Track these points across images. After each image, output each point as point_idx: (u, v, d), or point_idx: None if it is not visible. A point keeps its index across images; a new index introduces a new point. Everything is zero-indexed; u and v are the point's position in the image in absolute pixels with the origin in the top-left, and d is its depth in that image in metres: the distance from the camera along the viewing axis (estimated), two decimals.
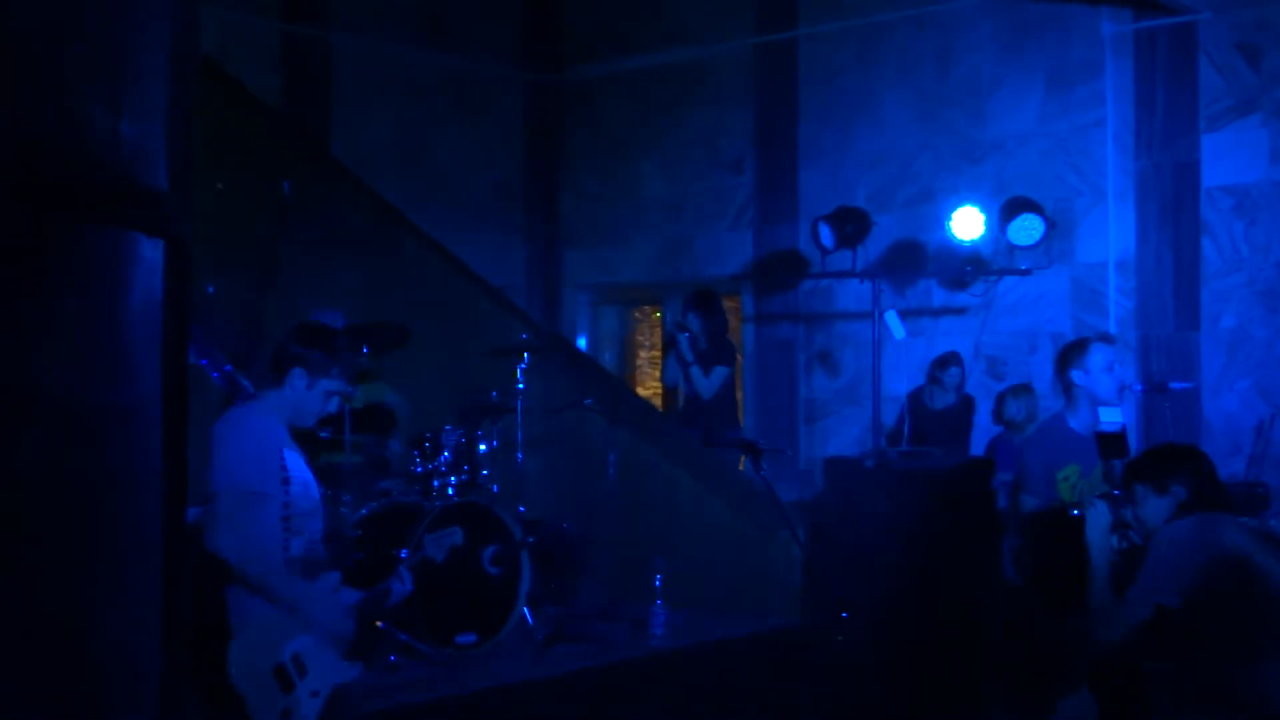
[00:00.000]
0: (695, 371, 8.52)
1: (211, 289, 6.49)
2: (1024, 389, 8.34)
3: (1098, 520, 4.49)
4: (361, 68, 10.44)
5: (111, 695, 1.57)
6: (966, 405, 8.74)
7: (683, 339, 8.58)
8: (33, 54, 1.50)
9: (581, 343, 11.44)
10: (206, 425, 5.22)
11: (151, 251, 1.68)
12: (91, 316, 1.57)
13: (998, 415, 8.43)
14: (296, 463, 4.10)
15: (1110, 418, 4.82)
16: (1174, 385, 7.53)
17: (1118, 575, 4.40)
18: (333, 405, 4.25)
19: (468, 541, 4.55)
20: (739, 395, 9.52)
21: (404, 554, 5.96)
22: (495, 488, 6.88)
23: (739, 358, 9.49)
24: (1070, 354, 5.26)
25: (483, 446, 6.85)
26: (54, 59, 1.52)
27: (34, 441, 1.48)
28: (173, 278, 1.69)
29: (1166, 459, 4.49)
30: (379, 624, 4.18)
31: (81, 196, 1.55)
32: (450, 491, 6.57)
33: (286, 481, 4.02)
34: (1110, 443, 4.74)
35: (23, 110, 1.49)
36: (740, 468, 8.04)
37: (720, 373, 8.56)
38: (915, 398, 8.78)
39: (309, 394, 4.13)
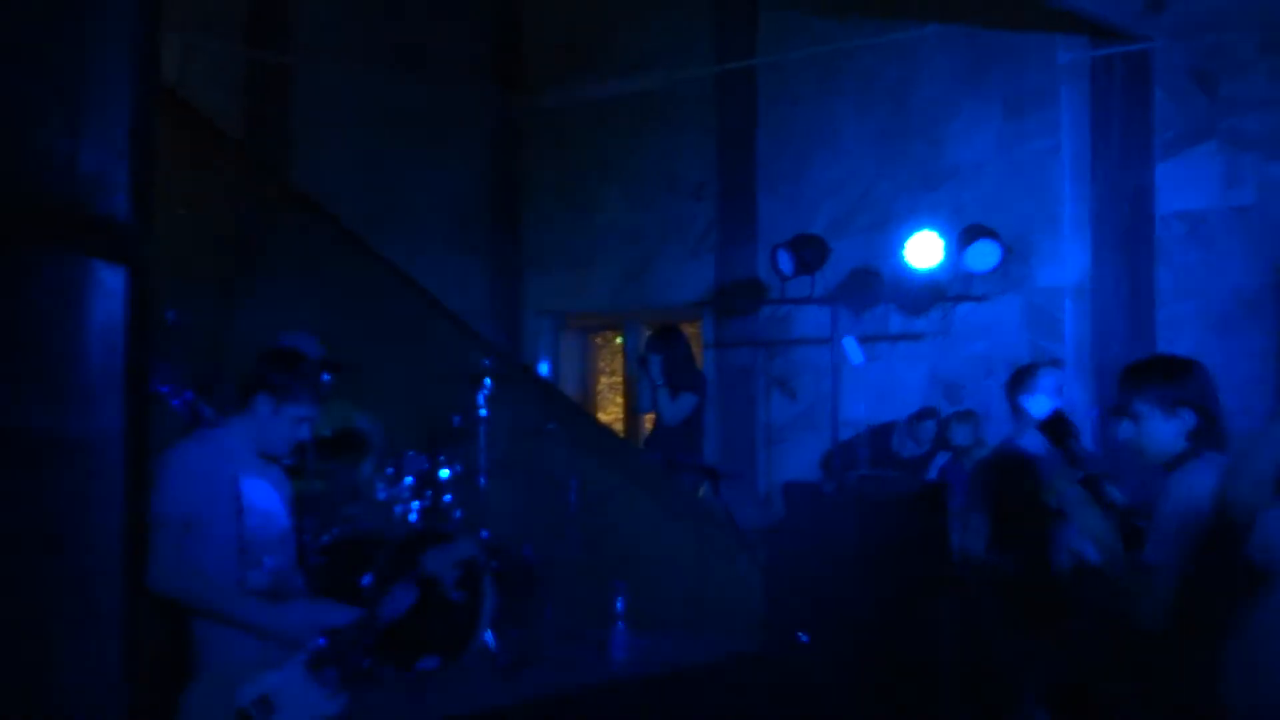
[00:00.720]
0: (662, 396, 8.54)
1: (172, 316, 6.45)
2: (968, 414, 8.39)
3: (1083, 507, 3.92)
4: (324, 94, 10.43)
5: None
6: (929, 456, 8.74)
7: (654, 363, 8.60)
8: None
9: (543, 368, 11.44)
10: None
11: (112, 278, 1.67)
12: (50, 343, 1.57)
13: (943, 441, 8.47)
14: (259, 491, 4.01)
15: (1039, 408, 4.56)
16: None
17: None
18: (304, 431, 4.16)
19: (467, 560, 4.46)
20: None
21: (366, 580, 5.92)
22: (458, 513, 6.86)
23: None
24: (1020, 379, 5.31)
25: (445, 472, 6.83)
26: (13, 89, 1.52)
27: None
28: (133, 304, 1.69)
29: (1176, 373, 3.90)
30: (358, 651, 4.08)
31: (38, 223, 1.54)
32: (413, 518, 6.54)
33: (241, 512, 3.94)
34: (1054, 427, 4.20)
35: None
36: (701, 492, 8.05)
37: (688, 399, 8.58)
38: (882, 441, 8.76)
39: (275, 420, 4.05)
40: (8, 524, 1.53)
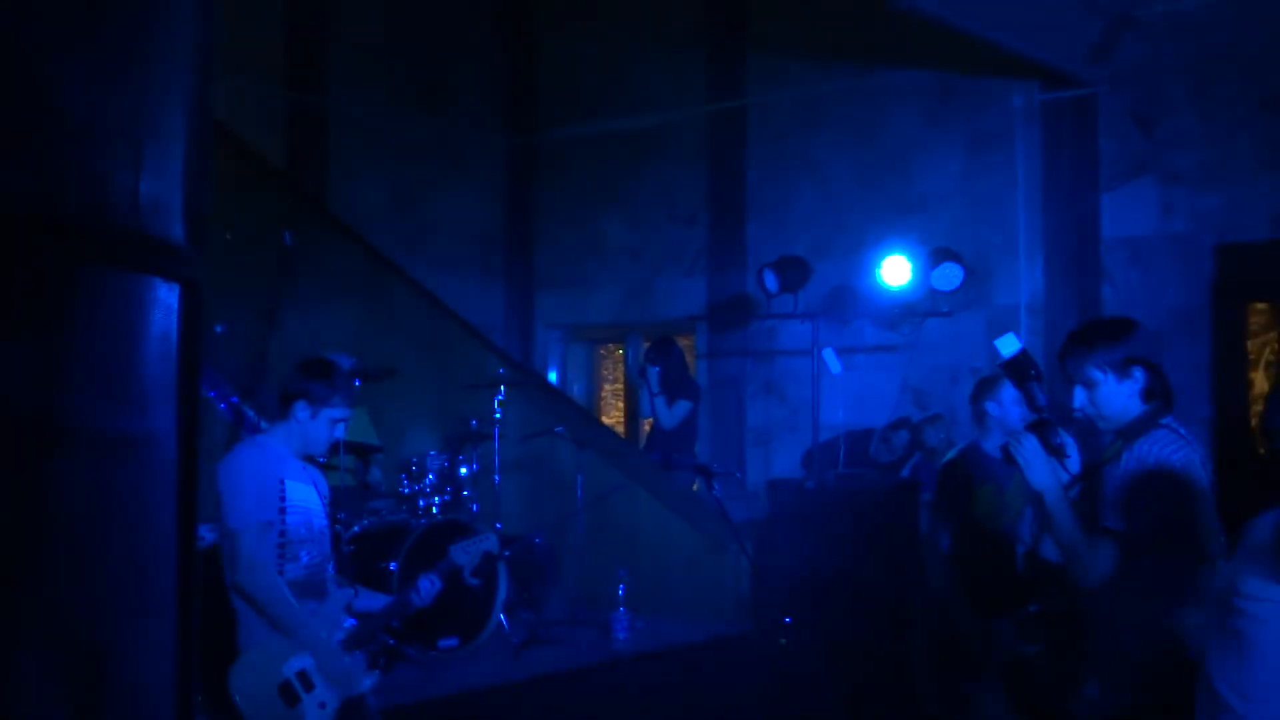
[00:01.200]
0: (659, 402, 8.52)
1: (220, 329, 6.45)
2: (938, 418, 8.37)
3: (1032, 455, 3.39)
4: (357, 130, 10.44)
5: (130, 717, 1.54)
6: (899, 463, 8.73)
7: (652, 373, 8.58)
8: (60, 119, 1.51)
9: (553, 376, 11.43)
10: (214, 451, 5.17)
11: (167, 295, 1.67)
12: (113, 352, 1.57)
13: (916, 443, 8.45)
14: (299, 493, 4.00)
15: (1008, 347, 3.90)
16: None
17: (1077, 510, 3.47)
18: (339, 431, 4.15)
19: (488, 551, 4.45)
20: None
21: (393, 566, 5.92)
22: (475, 507, 6.86)
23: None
24: (984, 387, 5.29)
25: (464, 470, 6.84)
26: (82, 126, 1.52)
27: (60, 466, 1.47)
28: (187, 318, 1.68)
29: (1122, 332, 3.49)
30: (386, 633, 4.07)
31: (102, 245, 1.54)
32: (435, 510, 6.54)
33: (283, 511, 3.94)
34: (1016, 367, 3.72)
35: (50, 167, 1.49)
36: (695, 489, 8.04)
37: (683, 405, 8.57)
38: (859, 443, 8.74)
39: (314, 423, 4.04)
40: (80, 515, 1.52)
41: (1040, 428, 3.46)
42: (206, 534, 5.20)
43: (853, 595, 6.24)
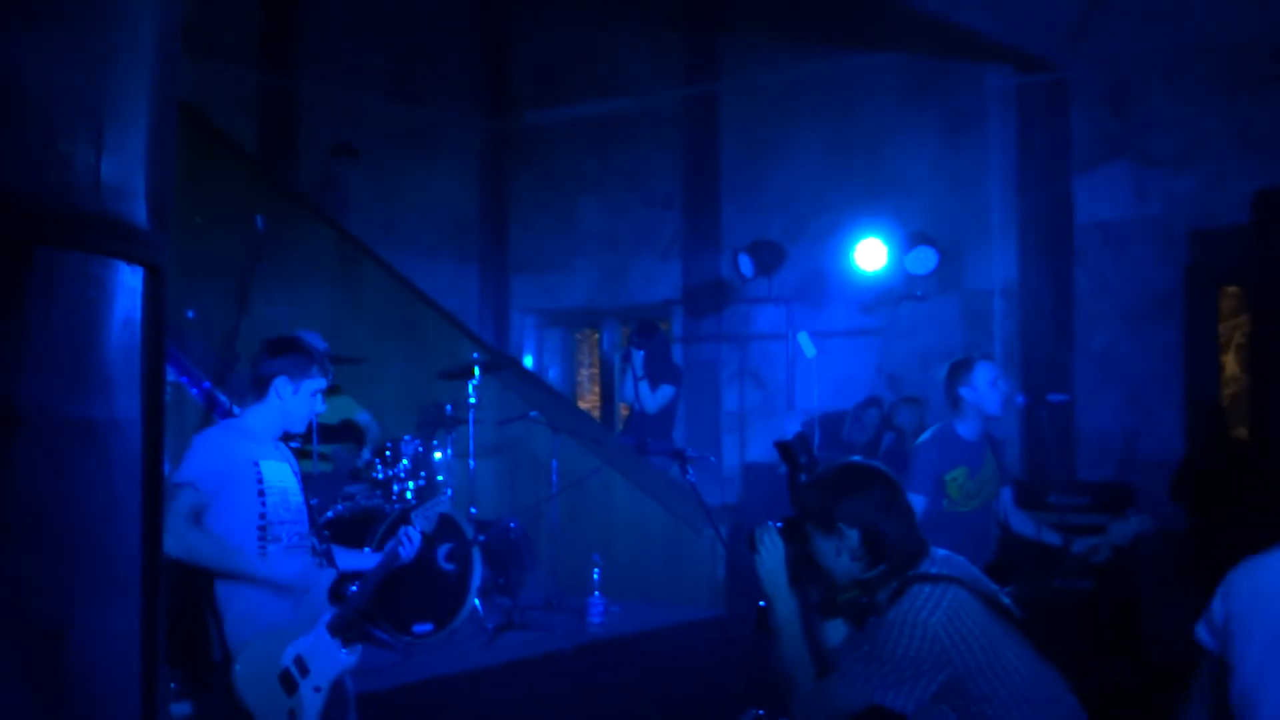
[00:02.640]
0: (643, 386, 8.49)
1: (191, 314, 6.40)
2: (914, 400, 8.38)
3: (773, 559, 3.00)
4: (330, 114, 10.36)
5: (90, 709, 1.53)
6: (875, 443, 8.75)
7: (637, 357, 8.55)
8: (20, 98, 1.48)
9: (528, 361, 11.40)
10: (185, 437, 5.11)
11: (131, 278, 1.65)
12: (74, 336, 1.54)
13: (890, 424, 8.47)
14: (275, 472, 3.99)
15: (791, 425, 3.35)
16: (1051, 398, 7.62)
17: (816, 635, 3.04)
18: (319, 403, 4.11)
19: (435, 531, 4.43)
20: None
21: (367, 550, 5.89)
22: (450, 491, 6.84)
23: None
24: (958, 370, 5.28)
25: (438, 454, 6.81)
26: (41, 105, 1.49)
27: (18, 450, 1.45)
28: (151, 302, 1.66)
29: (843, 482, 2.98)
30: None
31: (62, 227, 1.52)
32: (409, 495, 6.52)
33: (262, 493, 3.92)
34: (789, 452, 3.30)
35: (9, 148, 1.46)
36: (670, 473, 8.04)
37: (665, 390, 8.55)
38: (833, 426, 8.76)
39: (296, 398, 4.02)
40: (38, 498, 1.50)
41: (794, 529, 3.04)
42: None
43: None
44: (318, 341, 6.57)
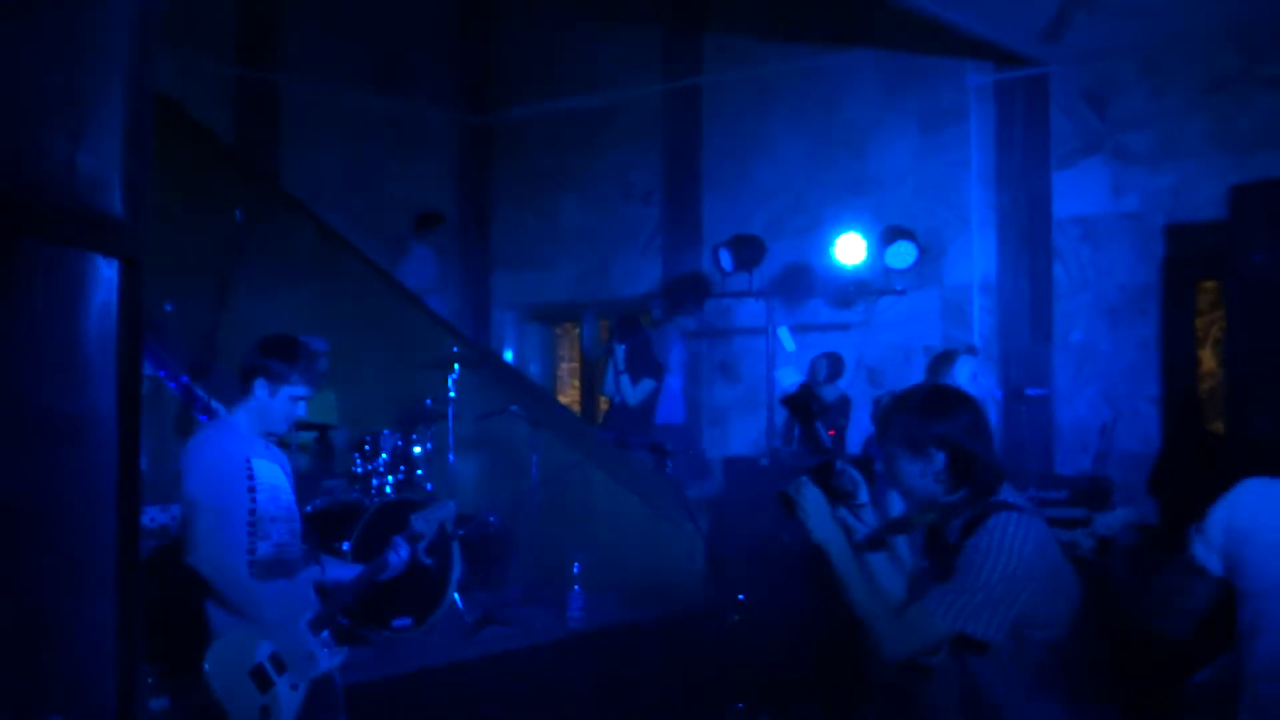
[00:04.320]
0: (625, 380, 8.50)
1: (169, 307, 6.37)
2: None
3: (814, 507, 2.94)
4: (309, 107, 10.33)
5: (66, 703, 1.52)
6: (844, 402, 8.76)
7: (619, 350, 8.56)
8: None
9: (508, 355, 11.39)
10: (162, 431, 5.09)
11: (107, 270, 1.64)
12: (48, 329, 1.53)
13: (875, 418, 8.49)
14: (267, 471, 3.98)
15: (787, 378, 3.14)
16: (1030, 392, 7.66)
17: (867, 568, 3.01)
18: (299, 410, 4.11)
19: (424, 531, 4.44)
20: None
21: (345, 545, 5.88)
22: (429, 486, 6.83)
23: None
24: (939, 364, 5.30)
25: (418, 449, 6.80)
26: (15, 96, 1.48)
27: None
28: (127, 295, 1.65)
29: (932, 404, 2.96)
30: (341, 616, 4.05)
31: (37, 219, 1.51)
32: (388, 490, 6.50)
33: (253, 489, 3.92)
34: (798, 404, 3.12)
35: None
36: (651, 467, 8.04)
37: (646, 384, 8.56)
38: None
39: (273, 401, 4.01)
40: (11, 492, 1.49)
41: (823, 472, 2.99)
42: (159, 515, 5.14)
43: (807, 572, 6.27)
44: (319, 344, 6.53)
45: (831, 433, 5.48)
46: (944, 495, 2.87)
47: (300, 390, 4.04)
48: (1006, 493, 2.89)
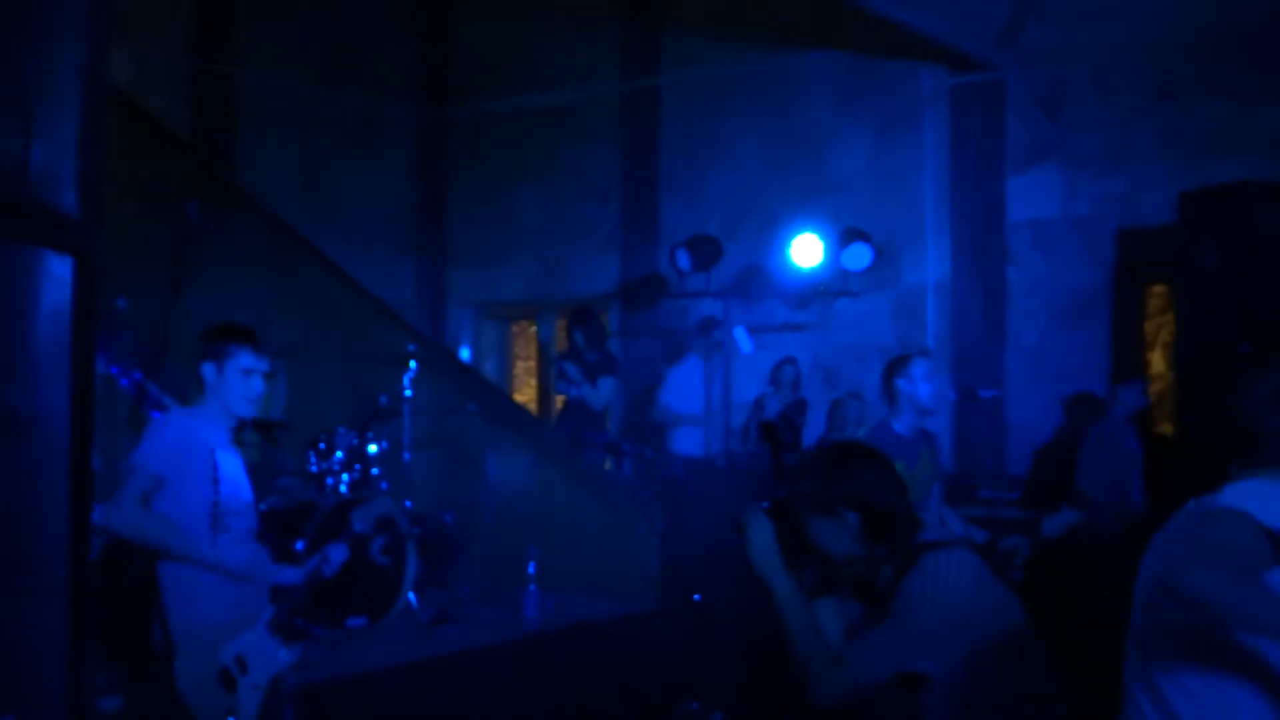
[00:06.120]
0: (587, 390, 8.42)
1: (122, 303, 6.28)
2: (855, 396, 8.44)
3: (760, 540, 2.89)
4: (265, 101, 10.23)
5: (17, 702, 1.49)
6: (800, 405, 8.80)
7: (571, 370, 8.46)
8: None
9: (464, 353, 11.34)
10: (114, 428, 5.03)
11: (60, 267, 1.62)
12: (1, 325, 1.51)
13: (831, 420, 8.52)
14: (230, 464, 3.96)
15: (745, 346, 2.98)
16: (983, 393, 7.73)
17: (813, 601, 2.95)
18: (257, 383, 4.04)
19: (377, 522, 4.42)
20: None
21: (299, 545, 5.84)
22: (385, 485, 6.78)
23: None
24: (895, 366, 5.33)
25: (373, 447, 6.75)
26: None
27: None
28: (80, 291, 1.63)
29: (835, 463, 2.92)
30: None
31: None
32: (343, 488, 6.46)
33: (216, 481, 3.89)
34: (770, 433, 3.13)
35: None
36: (606, 467, 8.04)
37: (607, 383, 8.52)
38: (758, 403, 8.84)
39: (224, 379, 3.97)
40: None
41: (779, 507, 2.93)
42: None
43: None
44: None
45: None
46: (865, 554, 2.82)
47: (248, 361, 3.99)
48: (930, 532, 2.86)
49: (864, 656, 2.77)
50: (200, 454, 3.87)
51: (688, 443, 8.67)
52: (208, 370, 3.97)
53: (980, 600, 2.75)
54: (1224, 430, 2.68)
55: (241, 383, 3.99)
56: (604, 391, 8.50)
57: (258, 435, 6.88)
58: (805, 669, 2.81)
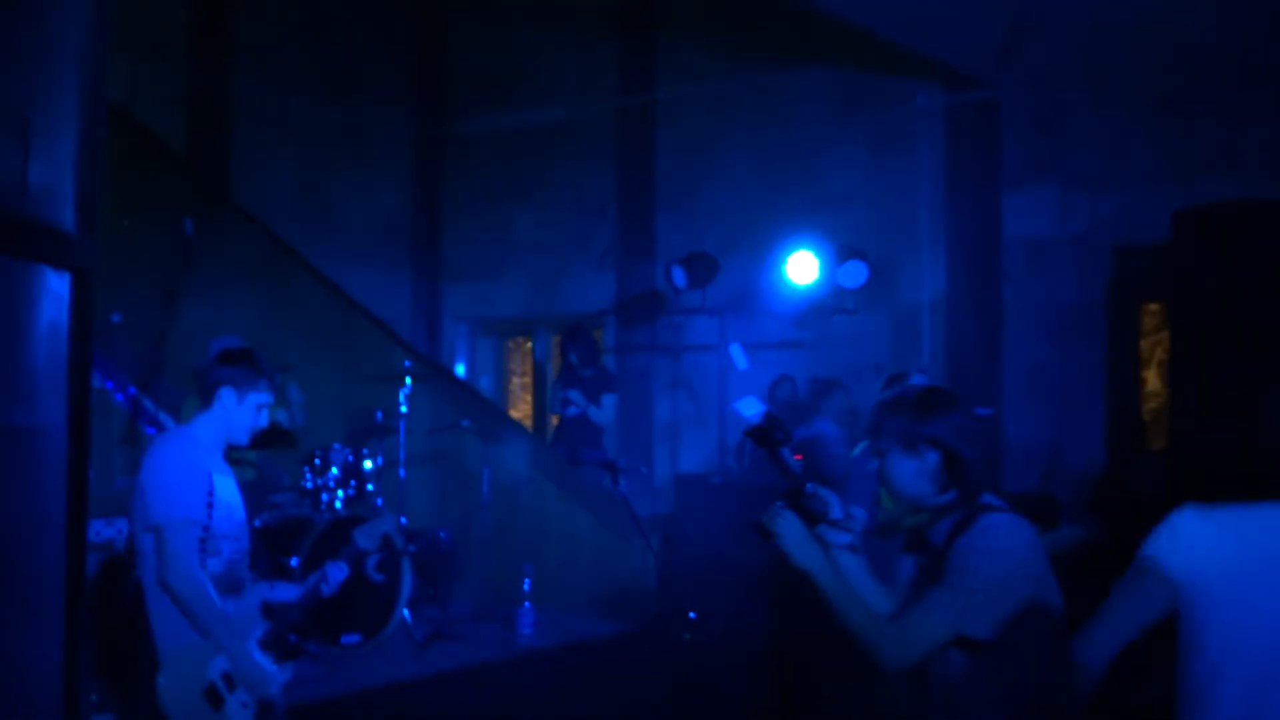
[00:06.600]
0: (592, 409, 8.38)
1: (118, 318, 6.29)
2: (836, 383, 8.33)
3: (791, 533, 2.95)
4: (262, 116, 10.24)
5: (11, 713, 1.49)
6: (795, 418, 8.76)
7: (575, 396, 8.41)
8: None
9: (460, 369, 11.34)
10: (108, 443, 5.02)
11: (57, 283, 1.62)
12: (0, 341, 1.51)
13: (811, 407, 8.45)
14: (224, 486, 3.92)
15: (749, 409, 3.11)
16: (978, 411, 7.70)
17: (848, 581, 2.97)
18: (263, 418, 4.05)
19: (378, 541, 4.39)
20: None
21: (294, 561, 5.82)
22: (380, 501, 6.77)
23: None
24: (894, 382, 5.34)
25: (368, 463, 6.74)
26: None
27: None
28: (77, 308, 1.63)
29: (927, 404, 2.96)
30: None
31: None
32: (338, 505, 6.44)
33: (211, 505, 3.85)
34: (763, 434, 3.17)
35: None
36: (602, 484, 8.02)
37: (609, 400, 8.50)
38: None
39: (239, 409, 3.95)
40: None
41: (794, 498, 3.02)
42: (104, 529, 5.06)
43: (757, 591, 6.28)
44: (234, 342, 6.47)
45: (799, 457, 5.48)
46: (934, 495, 2.90)
47: (265, 397, 4.00)
48: (989, 498, 2.92)
49: (925, 621, 2.81)
50: (199, 480, 3.83)
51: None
52: (227, 395, 3.93)
53: (1032, 568, 2.80)
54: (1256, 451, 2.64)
55: (254, 416, 3.99)
56: (608, 409, 8.48)
57: (259, 451, 6.88)
58: (866, 639, 2.85)
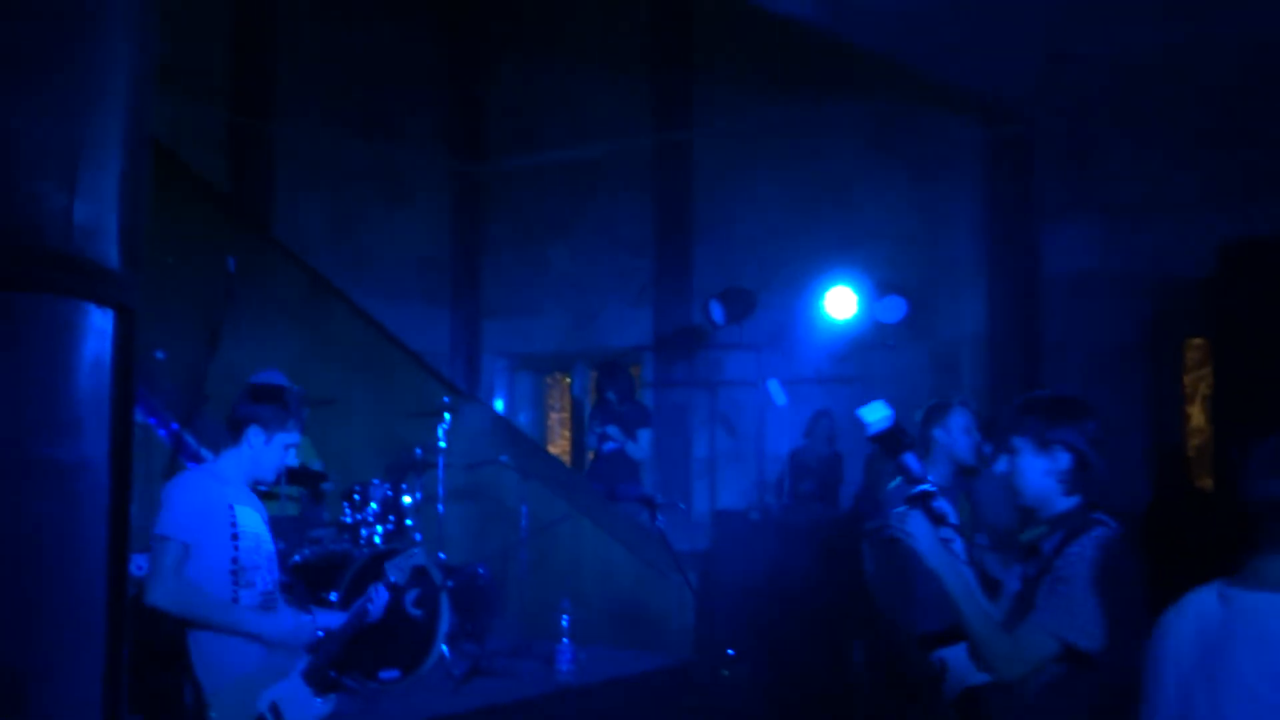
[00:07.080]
0: (630, 447, 8.38)
1: (161, 355, 6.34)
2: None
3: (922, 533, 3.01)
4: (302, 155, 10.37)
5: None
6: (836, 458, 8.74)
7: (613, 432, 8.42)
8: None
9: (498, 405, 11.37)
10: (152, 479, 5.05)
11: (101, 320, 1.63)
12: (43, 378, 1.52)
13: (869, 470, 8.44)
14: (248, 518, 3.95)
15: (874, 415, 3.24)
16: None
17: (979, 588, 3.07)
18: (291, 457, 4.09)
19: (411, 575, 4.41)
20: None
21: (334, 596, 5.83)
22: (418, 536, 6.78)
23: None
24: (934, 413, 5.26)
25: (407, 499, 6.76)
26: (11, 145, 1.48)
27: None
28: (121, 344, 1.65)
29: (1064, 408, 3.06)
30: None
31: (35, 269, 1.50)
32: (377, 540, 6.46)
33: (236, 537, 3.88)
34: (889, 439, 3.19)
35: None
36: (640, 519, 8.00)
37: (645, 435, 8.49)
38: (795, 456, 8.79)
39: (267, 449, 3.99)
40: (2, 540, 1.47)
41: (922, 500, 3.06)
42: (145, 563, 5.09)
43: (796, 627, 6.23)
44: (278, 379, 6.51)
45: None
46: (1059, 497, 2.96)
47: (294, 437, 4.03)
48: (1102, 515, 2.97)
49: (1035, 638, 2.84)
50: (219, 510, 3.87)
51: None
52: (254, 434, 3.97)
53: (1136, 588, 2.85)
54: None
55: (280, 455, 4.02)
56: (644, 444, 8.47)
57: (300, 488, 6.91)
58: (985, 646, 2.91)
